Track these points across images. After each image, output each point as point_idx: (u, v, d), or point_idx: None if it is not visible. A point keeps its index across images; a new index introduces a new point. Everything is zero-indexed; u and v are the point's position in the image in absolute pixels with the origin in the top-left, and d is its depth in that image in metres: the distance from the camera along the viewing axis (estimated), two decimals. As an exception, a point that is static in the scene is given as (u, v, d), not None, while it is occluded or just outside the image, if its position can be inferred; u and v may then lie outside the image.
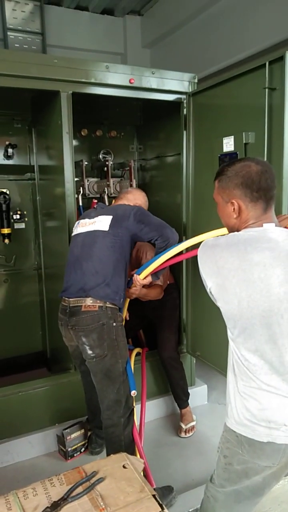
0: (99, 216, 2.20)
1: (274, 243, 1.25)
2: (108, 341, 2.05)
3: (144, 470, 2.17)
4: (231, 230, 1.39)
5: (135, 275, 2.23)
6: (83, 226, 2.23)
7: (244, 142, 2.19)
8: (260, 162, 1.33)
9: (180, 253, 2.16)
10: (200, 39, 4.58)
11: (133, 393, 2.14)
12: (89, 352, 2.05)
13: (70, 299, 2.10)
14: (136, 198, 2.43)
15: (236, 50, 4.04)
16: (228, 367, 1.41)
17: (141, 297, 2.45)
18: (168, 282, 2.79)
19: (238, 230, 1.35)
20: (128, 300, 2.38)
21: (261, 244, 1.25)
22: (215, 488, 1.50)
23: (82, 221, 2.27)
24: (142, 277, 2.22)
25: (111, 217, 2.16)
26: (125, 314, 2.36)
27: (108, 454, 2.18)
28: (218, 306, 1.34)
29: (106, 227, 2.13)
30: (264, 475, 1.37)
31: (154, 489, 2.06)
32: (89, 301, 2.04)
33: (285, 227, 1.43)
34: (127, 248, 2.14)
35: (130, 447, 2.16)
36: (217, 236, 1.48)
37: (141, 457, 2.21)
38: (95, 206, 2.48)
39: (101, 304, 2.04)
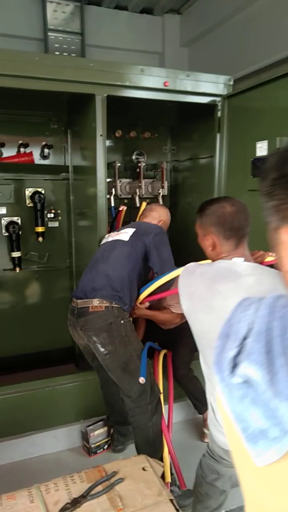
0: (125, 229, 2.35)
1: (237, 276, 1.36)
2: (119, 338, 2.12)
3: (174, 467, 2.28)
4: (209, 258, 1.58)
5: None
6: (110, 237, 2.38)
7: (277, 147, 2.15)
8: (236, 203, 1.49)
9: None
10: (238, 38, 4.50)
11: (142, 379, 2.14)
12: (102, 349, 2.12)
13: (78, 300, 2.19)
14: (160, 215, 2.54)
15: (275, 49, 3.94)
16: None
17: (151, 318, 2.57)
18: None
19: (214, 260, 1.53)
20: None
21: (226, 276, 1.38)
22: (206, 450, 1.80)
23: (112, 233, 2.43)
24: (138, 302, 2.35)
25: (134, 229, 2.29)
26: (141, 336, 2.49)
27: (136, 443, 2.24)
28: None
29: (127, 238, 2.26)
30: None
31: (172, 491, 2.08)
32: (95, 301, 2.13)
33: (260, 263, 1.61)
34: (140, 261, 2.23)
35: (158, 437, 2.21)
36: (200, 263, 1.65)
37: (169, 448, 2.26)
38: (125, 208, 2.56)
39: (107, 304, 2.12)
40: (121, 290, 2.16)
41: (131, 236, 2.26)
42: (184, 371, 2.73)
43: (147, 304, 2.39)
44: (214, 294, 1.36)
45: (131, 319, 2.25)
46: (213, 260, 1.53)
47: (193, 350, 2.76)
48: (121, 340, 2.12)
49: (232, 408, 0.52)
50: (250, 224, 1.49)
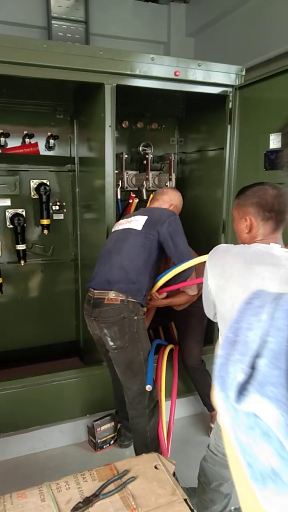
0: (136, 216, 2.27)
1: (276, 259, 1.36)
2: (130, 334, 2.09)
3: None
4: (242, 243, 1.54)
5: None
6: (120, 225, 2.31)
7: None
8: (277, 188, 1.47)
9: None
10: (247, 27, 4.41)
11: (148, 387, 2.12)
12: (111, 343, 2.11)
13: (95, 291, 2.16)
14: (172, 199, 2.46)
15: (284, 40, 3.86)
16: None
17: (169, 305, 2.52)
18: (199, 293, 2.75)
19: (248, 244, 1.49)
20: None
21: (265, 258, 1.37)
22: (208, 452, 1.75)
23: (121, 221, 2.35)
24: (153, 291, 2.31)
25: (146, 217, 2.22)
26: (148, 322, 2.44)
27: (135, 446, 2.23)
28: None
29: (139, 227, 2.19)
30: None
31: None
32: (112, 294, 2.09)
33: None
34: (155, 250, 2.18)
35: (156, 440, 2.20)
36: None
37: (163, 452, 2.23)
38: (136, 201, 2.49)
39: (123, 298, 2.09)
40: (138, 281, 2.12)
41: (144, 225, 2.19)
42: (195, 363, 2.72)
43: (164, 294, 2.34)
44: (252, 274, 1.35)
45: (145, 316, 2.21)
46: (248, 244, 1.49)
47: (202, 343, 2.75)
48: (131, 336, 2.09)
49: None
50: None
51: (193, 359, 2.71)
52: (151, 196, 2.93)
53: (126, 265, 2.12)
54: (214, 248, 1.51)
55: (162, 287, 2.32)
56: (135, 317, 2.10)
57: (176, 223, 2.24)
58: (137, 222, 2.23)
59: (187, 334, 2.75)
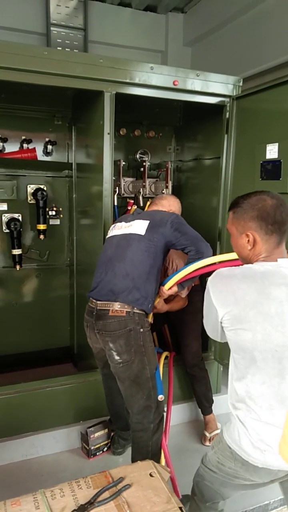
0: (136, 220, 2.18)
1: None
2: (136, 347, 2.02)
3: (171, 480, 2.15)
4: (244, 261, 1.43)
5: (161, 287, 2.19)
6: (119, 229, 2.22)
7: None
8: (275, 196, 1.36)
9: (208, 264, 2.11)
10: (244, 38, 4.48)
11: (160, 397, 2.12)
12: (117, 357, 2.03)
13: (98, 302, 2.07)
14: (171, 204, 2.42)
15: (281, 51, 3.92)
16: (228, 395, 1.46)
17: (169, 310, 2.47)
18: (192, 284, 2.74)
19: (250, 262, 1.39)
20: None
21: (277, 279, 1.29)
22: (205, 469, 1.61)
23: (118, 224, 2.27)
24: (167, 287, 2.18)
25: (148, 222, 2.14)
26: (150, 318, 2.36)
27: (133, 458, 2.17)
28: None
29: (142, 231, 2.10)
30: (252, 483, 1.48)
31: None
32: (117, 305, 2.01)
33: None
34: (160, 254, 2.10)
35: (157, 454, 2.15)
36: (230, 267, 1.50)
37: (168, 465, 2.19)
38: (134, 208, 2.48)
39: (128, 310, 2.01)
40: (144, 288, 2.03)
41: (147, 229, 2.10)
42: (195, 360, 2.74)
43: (175, 289, 2.19)
44: (268, 299, 1.26)
45: (150, 328, 2.13)
46: (248, 262, 1.39)
47: (200, 339, 2.77)
48: (138, 349, 2.02)
49: None
50: None
51: (192, 355, 2.73)
52: (148, 203, 2.95)
53: (130, 272, 2.03)
54: (214, 274, 1.40)
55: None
56: (141, 330, 2.03)
57: (179, 219, 2.17)
58: (139, 226, 2.13)
59: (183, 333, 2.76)
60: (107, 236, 2.30)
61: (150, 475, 1.57)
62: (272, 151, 2.22)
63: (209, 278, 1.41)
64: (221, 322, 1.36)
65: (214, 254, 2.22)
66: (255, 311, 1.27)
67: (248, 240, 1.36)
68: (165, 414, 2.24)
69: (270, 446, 1.33)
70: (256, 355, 1.29)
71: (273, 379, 1.30)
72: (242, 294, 1.29)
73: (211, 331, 1.48)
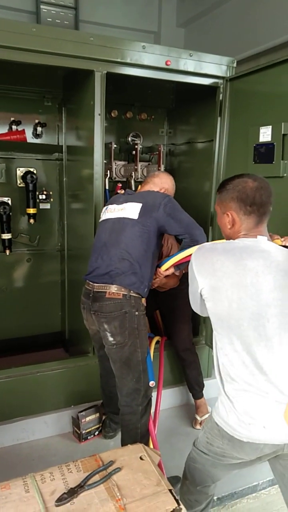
0: (128, 203, 2.14)
1: (266, 253, 1.37)
2: (130, 329, 2.04)
3: (158, 463, 2.17)
4: (227, 238, 1.52)
5: (157, 268, 2.21)
6: (111, 212, 2.19)
7: (282, 133, 2.11)
8: (258, 179, 1.43)
9: None
10: (238, 19, 4.40)
11: (152, 383, 2.13)
12: (110, 339, 2.05)
13: (95, 284, 2.07)
14: (163, 182, 2.35)
15: (277, 32, 3.86)
16: (215, 369, 1.49)
17: (160, 286, 2.43)
18: (183, 271, 2.74)
19: (232, 239, 1.47)
20: None
21: (255, 253, 1.36)
22: (196, 451, 1.63)
23: (110, 206, 2.23)
24: (163, 269, 2.21)
25: (140, 205, 2.10)
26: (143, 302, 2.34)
27: (123, 441, 2.19)
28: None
29: (135, 215, 2.08)
30: (240, 461, 1.51)
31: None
32: (114, 288, 2.02)
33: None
34: (153, 238, 2.09)
35: (145, 436, 2.17)
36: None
37: (155, 448, 2.21)
38: (122, 192, 2.43)
39: (125, 293, 2.02)
40: (140, 272, 2.04)
41: (139, 213, 2.07)
42: (187, 344, 2.74)
43: (171, 270, 2.22)
44: (245, 270, 1.33)
45: (145, 311, 2.14)
46: (232, 239, 1.46)
47: (190, 324, 2.78)
48: (131, 332, 2.03)
49: None
50: (272, 203, 1.43)
51: (183, 341, 2.73)
52: (139, 187, 2.91)
53: (127, 257, 2.03)
54: (198, 247, 1.48)
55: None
56: (136, 313, 2.04)
57: (172, 203, 2.12)
58: (131, 210, 2.10)
59: (174, 317, 2.76)
60: (100, 220, 2.27)
61: (140, 458, 1.57)
62: (265, 134, 2.18)
63: (194, 252, 1.48)
64: (201, 294, 1.42)
65: (207, 238, 2.20)
66: (231, 281, 1.34)
67: (228, 220, 1.45)
68: (154, 397, 2.25)
69: (254, 419, 1.36)
70: (233, 324, 1.35)
71: (249, 347, 1.34)
72: (220, 265, 1.36)
73: (193, 303, 1.55)
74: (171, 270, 2.24)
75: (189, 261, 2.14)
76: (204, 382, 2.82)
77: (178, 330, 2.75)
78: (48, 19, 4.80)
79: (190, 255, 2.05)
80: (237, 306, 1.33)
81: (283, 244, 1.59)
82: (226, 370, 1.41)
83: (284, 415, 1.29)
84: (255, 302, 1.32)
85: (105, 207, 2.28)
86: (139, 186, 2.85)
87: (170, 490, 1.42)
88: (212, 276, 1.37)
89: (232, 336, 1.36)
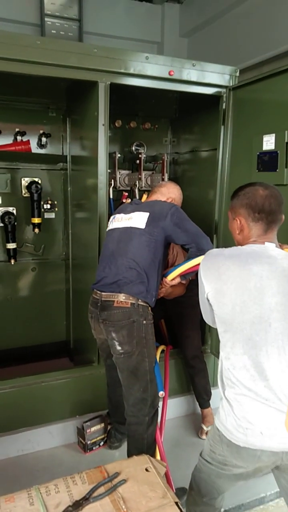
0: (136, 212, 2.15)
1: (273, 259, 1.38)
2: (137, 338, 2.03)
3: (165, 473, 2.14)
4: (237, 244, 1.54)
5: (163, 278, 2.21)
6: (119, 221, 2.20)
7: (286, 141, 2.12)
8: (269, 188, 1.46)
9: None
10: (240, 29, 4.43)
11: (161, 394, 2.12)
12: (118, 348, 2.04)
13: (103, 293, 2.08)
14: (170, 192, 2.37)
15: (279, 41, 3.88)
16: (218, 374, 1.50)
17: (166, 295, 2.42)
18: (190, 278, 2.74)
19: (241, 245, 1.50)
20: None
21: (261, 258, 1.38)
22: (201, 461, 1.62)
23: (117, 215, 2.24)
24: (169, 278, 2.22)
25: (147, 214, 2.11)
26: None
27: (129, 451, 2.17)
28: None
29: (142, 225, 2.09)
30: (241, 471, 1.50)
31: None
32: (122, 297, 2.02)
33: None
34: (160, 248, 2.10)
35: (152, 447, 2.15)
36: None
37: (162, 458, 2.19)
38: (129, 201, 2.44)
39: (133, 301, 2.02)
40: (147, 282, 2.04)
41: (147, 223, 2.08)
42: (197, 352, 2.74)
43: (177, 280, 2.23)
44: (249, 275, 1.35)
45: (153, 320, 2.14)
46: (242, 245, 1.49)
47: (199, 331, 2.77)
48: (139, 341, 2.03)
49: None
50: (282, 212, 1.45)
51: (192, 348, 2.72)
52: (144, 196, 2.92)
53: (134, 266, 2.03)
54: (206, 254, 1.51)
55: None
56: (144, 322, 2.04)
57: (179, 212, 2.13)
58: (138, 219, 2.11)
59: (183, 324, 2.75)
60: (108, 229, 2.29)
61: (146, 470, 1.55)
62: (268, 142, 2.19)
63: (202, 259, 1.51)
64: (207, 299, 1.44)
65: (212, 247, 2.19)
66: (235, 285, 1.36)
67: (237, 225, 1.49)
68: (160, 407, 2.23)
69: (251, 424, 1.36)
70: (235, 327, 1.36)
71: (251, 350, 1.35)
72: (225, 269, 1.38)
73: (204, 313, 1.56)
74: (177, 280, 2.24)
75: (195, 271, 2.17)
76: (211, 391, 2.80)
77: (187, 337, 2.74)
78: (53, 31, 4.86)
79: (197, 265, 2.08)
80: (240, 309, 1.34)
81: None
82: (227, 374, 1.42)
83: (285, 424, 1.28)
84: (258, 306, 1.33)
85: (113, 216, 2.29)
86: (143, 195, 2.87)
87: (176, 503, 1.40)
88: (218, 280, 1.39)
89: (234, 340, 1.37)
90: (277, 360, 1.33)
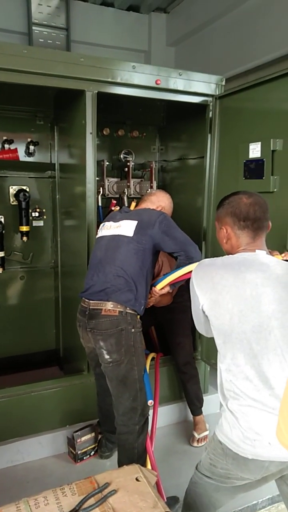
0: (124, 220, 2.15)
1: (265, 266, 1.38)
2: (126, 346, 2.02)
3: (156, 483, 2.12)
4: (226, 253, 1.54)
5: (152, 287, 2.21)
6: (107, 229, 2.20)
7: (271, 149, 2.14)
8: (253, 196, 1.48)
9: None
10: (227, 38, 4.49)
11: (150, 402, 2.10)
12: (106, 356, 2.03)
13: (91, 301, 2.07)
14: (160, 200, 2.36)
15: (265, 50, 3.94)
16: (218, 386, 1.47)
17: (154, 304, 2.43)
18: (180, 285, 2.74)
19: (231, 254, 1.50)
20: None
21: (254, 265, 1.38)
22: (198, 475, 1.58)
23: (107, 223, 2.24)
24: (159, 288, 2.20)
25: (136, 222, 2.11)
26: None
27: (119, 461, 2.15)
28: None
29: (130, 233, 2.08)
30: (245, 483, 1.47)
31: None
32: (109, 305, 2.01)
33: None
34: (149, 256, 2.09)
35: (142, 456, 2.14)
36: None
37: (153, 468, 2.17)
38: (118, 209, 2.44)
39: (121, 309, 2.01)
40: (135, 290, 2.03)
41: (135, 231, 2.08)
42: (189, 359, 2.73)
43: (167, 289, 2.22)
44: (244, 283, 1.34)
45: (141, 329, 2.12)
46: (231, 254, 1.49)
47: (191, 337, 2.77)
48: (128, 349, 2.02)
49: None
50: (268, 218, 1.47)
51: (184, 354, 2.72)
52: (132, 204, 2.92)
53: (122, 274, 2.03)
54: (198, 264, 1.51)
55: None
56: (132, 330, 2.03)
57: (167, 220, 2.13)
58: (127, 227, 2.11)
59: (174, 331, 2.75)
60: (97, 236, 2.28)
61: (136, 479, 1.54)
62: (255, 150, 2.21)
63: (194, 269, 1.49)
64: (203, 310, 1.42)
65: (201, 254, 2.20)
66: (231, 294, 1.35)
67: (224, 234, 1.50)
68: (150, 415, 2.22)
69: (259, 435, 1.33)
70: (235, 337, 1.34)
71: (253, 360, 1.33)
72: (219, 279, 1.38)
73: (197, 323, 1.54)
74: (167, 289, 2.23)
75: (185, 279, 2.18)
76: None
77: (179, 344, 2.73)
78: (40, 40, 4.87)
79: (187, 273, 2.09)
80: (239, 319, 1.33)
81: (284, 259, 1.60)
82: (229, 386, 1.39)
83: (276, 434, 1.15)
84: (256, 314, 1.33)
85: (102, 224, 2.28)
86: (132, 202, 2.88)
87: (167, 512, 1.39)
88: (212, 290, 1.38)
89: (235, 350, 1.36)
90: (279, 368, 1.32)
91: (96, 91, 2.36)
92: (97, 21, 5.14)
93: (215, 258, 1.48)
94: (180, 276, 2.12)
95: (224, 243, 1.51)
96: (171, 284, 2.20)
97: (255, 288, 1.33)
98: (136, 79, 2.47)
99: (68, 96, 2.55)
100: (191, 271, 2.04)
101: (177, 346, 2.74)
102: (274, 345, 1.32)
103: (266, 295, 1.33)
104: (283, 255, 1.65)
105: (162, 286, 2.19)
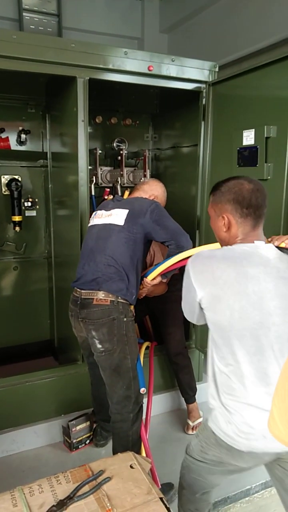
0: (116, 209, 2.13)
1: (266, 259, 1.34)
2: (118, 336, 2.02)
3: (150, 470, 2.14)
4: (222, 243, 1.47)
5: (144, 278, 2.19)
6: (99, 218, 2.18)
7: (265, 136, 2.13)
8: (253, 182, 1.41)
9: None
10: (220, 25, 4.43)
11: (142, 390, 2.11)
12: (99, 346, 2.03)
13: (82, 291, 2.06)
14: (152, 189, 2.34)
15: (259, 37, 3.90)
16: (208, 378, 1.45)
17: (148, 294, 2.42)
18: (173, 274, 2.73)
19: (228, 244, 1.42)
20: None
21: (254, 259, 1.33)
22: (189, 459, 1.58)
23: (98, 212, 2.22)
24: (150, 278, 2.19)
25: (127, 211, 2.09)
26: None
27: (114, 449, 2.16)
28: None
29: (121, 222, 2.06)
30: (238, 468, 1.48)
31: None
32: (101, 294, 2.00)
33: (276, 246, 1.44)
34: (140, 245, 2.08)
35: (137, 444, 2.15)
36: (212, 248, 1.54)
37: (147, 455, 2.19)
38: (111, 198, 2.42)
39: (113, 299, 2.00)
40: (126, 279, 2.01)
41: (126, 220, 2.05)
42: (180, 349, 2.73)
43: (158, 279, 2.19)
44: (246, 278, 1.29)
45: (133, 317, 2.12)
46: (226, 245, 1.42)
47: (182, 327, 2.76)
48: (120, 338, 2.01)
49: None
50: (267, 206, 1.40)
51: (176, 345, 2.72)
52: (126, 193, 2.90)
53: (113, 263, 2.01)
54: (195, 255, 1.42)
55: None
56: (125, 319, 2.02)
57: (159, 209, 2.10)
58: (118, 216, 2.08)
59: (166, 321, 2.74)
60: (89, 225, 2.26)
61: (131, 466, 1.55)
62: (248, 137, 2.20)
63: (190, 259, 1.41)
64: (200, 303, 1.37)
65: (193, 242, 2.19)
66: (232, 289, 1.30)
67: (224, 223, 1.41)
68: (144, 404, 2.22)
69: (253, 428, 1.33)
70: (235, 334, 1.31)
71: (252, 357, 1.31)
72: (221, 273, 1.31)
73: (188, 312, 1.49)
74: (158, 279, 2.21)
75: (176, 268, 2.16)
76: (196, 386, 2.81)
77: (169, 334, 2.73)
78: (31, 26, 4.78)
79: (176, 262, 2.07)
80: (239, 315, 1.29)
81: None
82: (224, 381, 1.37)
83: (268, 425, 1.16)
84: (258, 311, 1.29)
85: (94, 213, 2.26)
86: (125, 191, 2.86)
87: (161, 499, 1.40)
88: (213, 285, 1.32)
89: (233, 346, 1.32)
90: (276, 365, 1.30)
91: (88, 78, 2.32)
92: (89, 7, 5.05)
93: (213, 249, 1.43)
94: (170, 266, 2.10)
95: (223, 232, 1.42)
96: (163, 274, 2.19)
97: (258, 283, 1.29)
98: (128, 65, 2.43)
99: (60, 83, 2.51)
100: (181, 260, 2.05)
101: (168, 337, 2.74)
102: (273, 341, 1.30)
103: (268, 291, 1.30)
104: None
105: (153, 276, 2.18)
